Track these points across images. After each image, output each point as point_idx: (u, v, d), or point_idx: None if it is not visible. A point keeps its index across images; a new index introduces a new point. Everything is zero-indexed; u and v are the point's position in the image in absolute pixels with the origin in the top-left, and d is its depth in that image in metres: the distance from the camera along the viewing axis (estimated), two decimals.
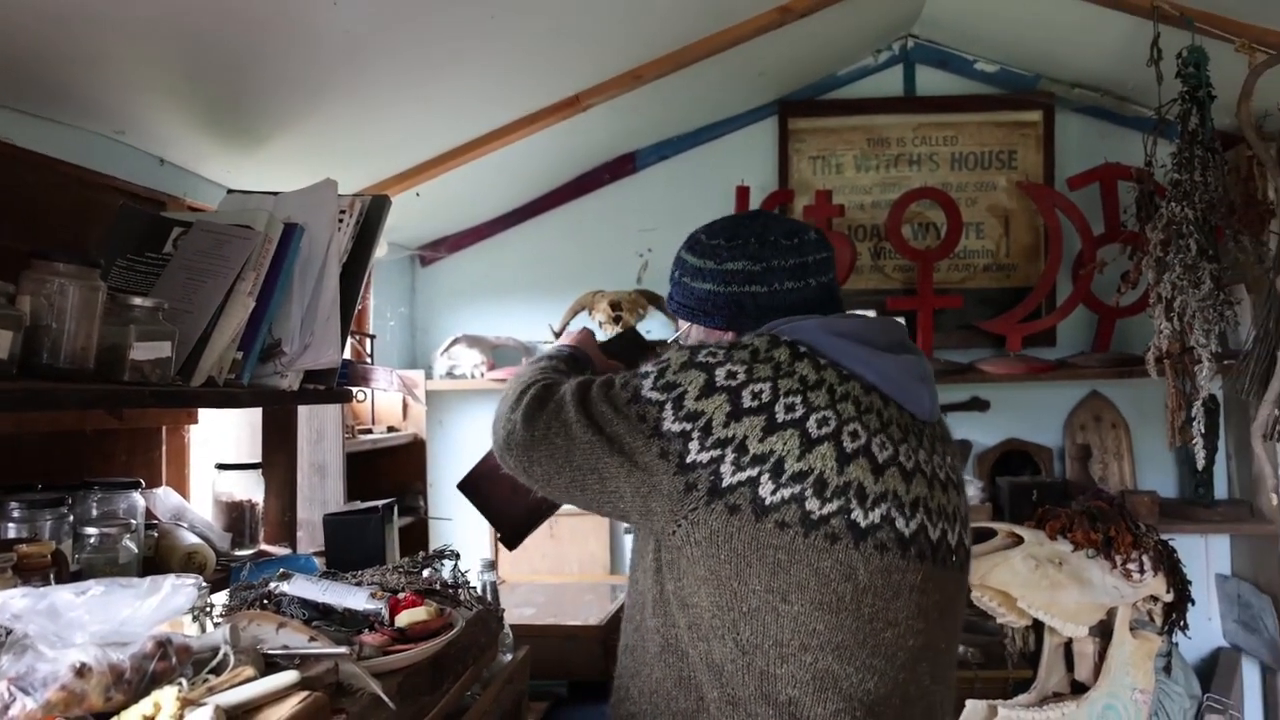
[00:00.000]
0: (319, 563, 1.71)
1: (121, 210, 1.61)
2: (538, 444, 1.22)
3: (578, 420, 1.20)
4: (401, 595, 1.43)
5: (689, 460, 1.12)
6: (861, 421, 1.15)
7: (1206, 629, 2.97)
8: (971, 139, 3.02)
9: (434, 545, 2.72)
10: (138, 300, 1.31)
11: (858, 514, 1.11)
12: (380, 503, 1.85)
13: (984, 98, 3.03)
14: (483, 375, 2.95)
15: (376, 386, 2.04)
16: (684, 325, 1.38)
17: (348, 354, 2.49)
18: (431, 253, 3.20)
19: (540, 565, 3.05)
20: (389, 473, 2.54)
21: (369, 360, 2.45)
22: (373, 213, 1.81)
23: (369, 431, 2.49)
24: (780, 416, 1.12)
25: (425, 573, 1.71)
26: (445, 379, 2.99)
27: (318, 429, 2.12)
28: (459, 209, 3.04)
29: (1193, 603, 2.58)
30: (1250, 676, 2.96)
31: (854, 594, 1.12)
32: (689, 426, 1.13)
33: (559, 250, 3.18)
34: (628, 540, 3.10)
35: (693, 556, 1.14)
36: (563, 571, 3.04)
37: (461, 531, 2.97)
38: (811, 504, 1.10)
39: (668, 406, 1.15)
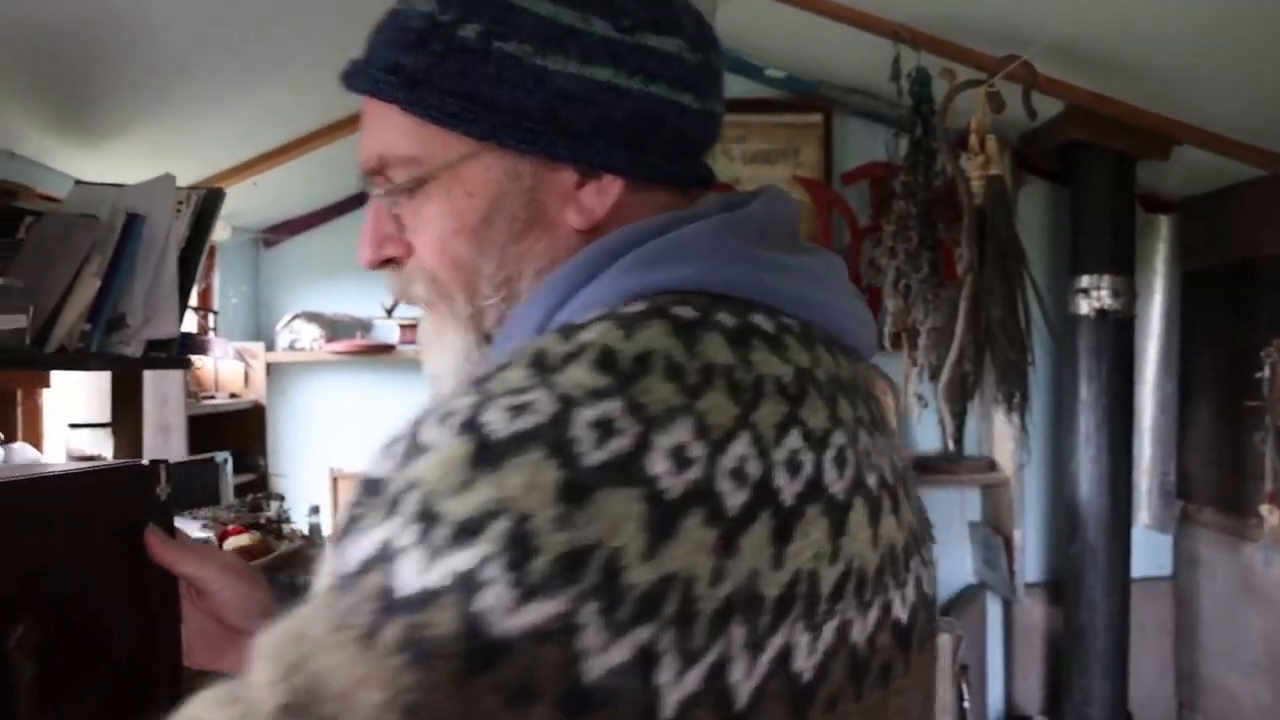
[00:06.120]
0: None
1: None
2: None
3: None
4: (230, 527, 1.73)
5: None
6: (859, 415, 0.59)
7: (960, 569, 3.48)
8: (760, 137, 3.43)
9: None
10: None
11: (897, 604, 0.57)
12: (216, 454, 2.13)
13: (772, 101, 3.45)
14: (321, 347, 3.23)
15: (213, 355, 2.31)
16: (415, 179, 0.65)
17: (190, 327, 2.74)
18: (274, 235, 3.44)
19: None
20: (232, 435, 2.79)
21: (211, 333, 2.70)
22: (208, 204, 2.07)
23: (212, 397, 2.73)
24: (787, 496, 0.50)
25: (268, 515, 2.01)
26: (287, 351, 3.25)
27: (163, 394, 2.37)
28: (297, 196, 3.30)
29: (934, 541, 3.05)
30: (995, 609, 3.49)
31: None
32: (693, 637, 0.46)
33: None
34: None
35: None
36: None
37: (298, 485, 3.27)
38: (858, 626, 0.53)
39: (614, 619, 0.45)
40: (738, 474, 0.49)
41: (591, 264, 0.61)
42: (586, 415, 0.48)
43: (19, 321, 1.58)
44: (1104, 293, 2.97)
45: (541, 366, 0.51)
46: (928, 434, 3.46)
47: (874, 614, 0.54)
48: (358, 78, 0.66)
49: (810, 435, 0.53)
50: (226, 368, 2.89)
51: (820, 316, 0.61)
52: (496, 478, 0.46)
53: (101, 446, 2.00)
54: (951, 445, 3.24)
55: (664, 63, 0.64)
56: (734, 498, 0.48)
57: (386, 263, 0.69)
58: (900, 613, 0.57)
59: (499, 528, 0.45)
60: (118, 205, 1.88)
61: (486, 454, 0.47)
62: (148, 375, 2.28)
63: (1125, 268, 3.01)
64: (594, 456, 0.47)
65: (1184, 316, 3.38)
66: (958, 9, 2.55)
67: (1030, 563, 3.38)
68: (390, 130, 0.65)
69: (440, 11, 0.63)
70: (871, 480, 0.57)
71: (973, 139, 2.28)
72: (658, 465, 0.47)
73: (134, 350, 1.85)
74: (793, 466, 0.51)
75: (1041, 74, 2.47)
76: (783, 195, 0.70)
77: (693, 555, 0.46)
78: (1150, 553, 3.39)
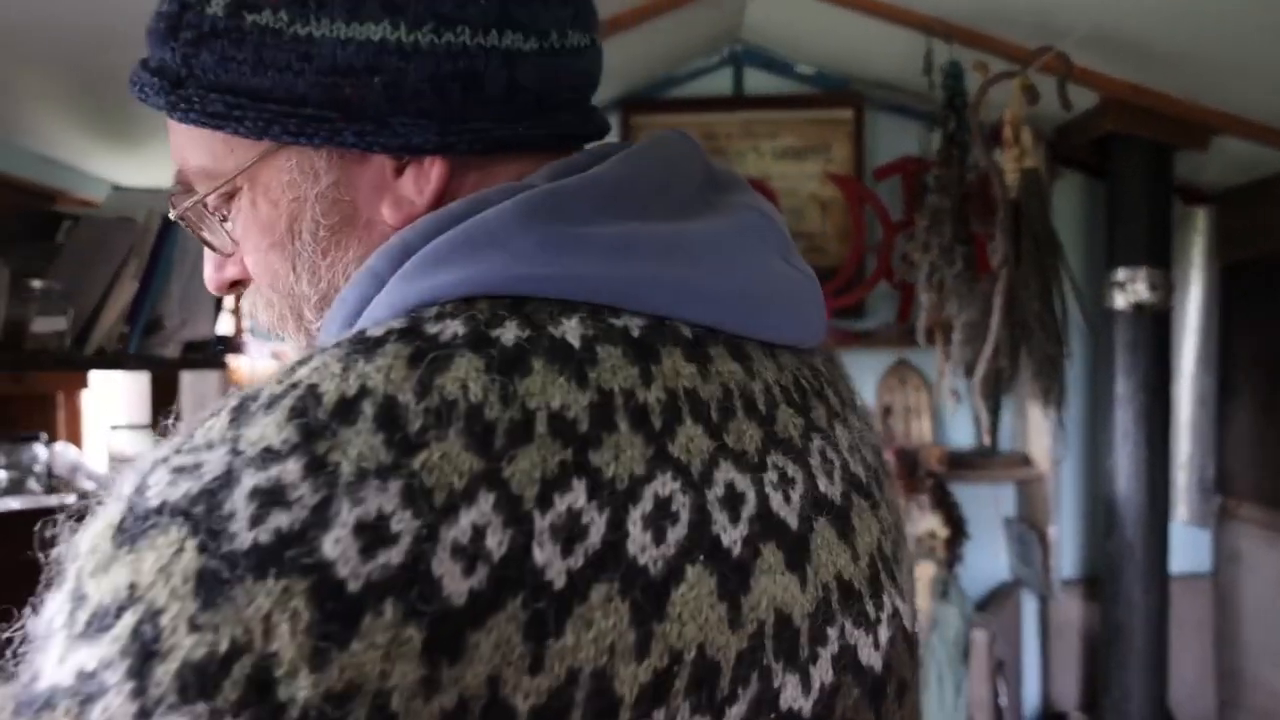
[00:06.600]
0: None
1: (19, 210, 1.88)
2: None
3: None
4: None
5: None
6: (729, 441, 0.46)
7: (995, 565, 3.45)
8: (791, 133, 3.42)
9: None
10: (36, 283, 1.59)
11: (790, 693, 0.45)
12: None
13: (802, 96, 3.43)
14: None
15: (250, 356, 2.33)
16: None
17: (227, 329, 2.77)
18: None
19: None
20: None
21: (248, 335, 2.72)
22: None
23: None
24: (556, 575, 0.39)
25: None
26: None
27: (201, 394, 2.40)
28: None
29: (968, 537, 3.05)
30: (1030, 605, 3.45)
31: None
32: None
33: None
34: None
35: None
36: None
37: None
38: (791, 691, 0.44)
39: None
40: (469, 550, 0.38)
41: (380, 268, 0.50)
42: (250, 482, 0.38)
43: (59, 324, 1.60)
44: (1141, 286, 2.93)
45: (241, 414, 0.41)
46: (963, 429, 3.44)
47: (738, 711, 0.42)
48: (132, 82, 0.56)
49: (604, 487, 0.41)
50: (263, 369, 2.92)
51: (702, 305, 0.49)
52: (133, 558, 0.38)
53: (142, 448, 2.03)
54: (986, 440, 3.22)
55: (460, 3, 0.50)
56: (459, 582, 0.37)
57: (234, 285, 0.60)
58: (797, 702, 0.45)
59: (127, 622, 0.37)
60: (154, 209, 1.90)
61: (129, 527, 0.39)
62: (186, 376, 2.31)
63: (1162, 261, 2.97)
64: (245, 537, 0.37)
65: (1222, 309, 3.33)
66: (990, 1, 2.52)
67: (1066, 559, 3.35)
68: (180, 139, 0.56)
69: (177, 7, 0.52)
70: (732, 536, 0.44)
71: (1007, 131, 2.26)
72: (336, 547, 0.37)
73: (171, 351, 1.87)
74: (569, 534, 0.39)
75: (1076, 65, 2.44)
76: (665, 142, 0.55)
77: (386, 661, 0.36)
78: (1189, 549, 3.34)
